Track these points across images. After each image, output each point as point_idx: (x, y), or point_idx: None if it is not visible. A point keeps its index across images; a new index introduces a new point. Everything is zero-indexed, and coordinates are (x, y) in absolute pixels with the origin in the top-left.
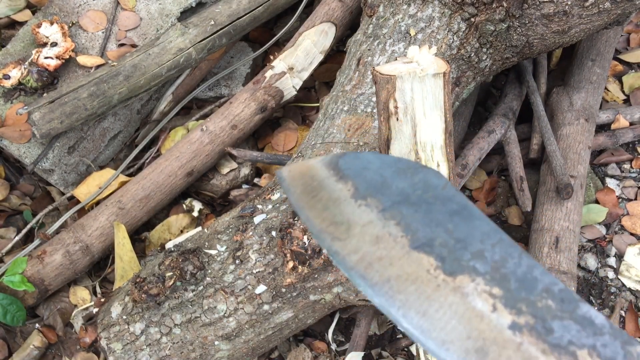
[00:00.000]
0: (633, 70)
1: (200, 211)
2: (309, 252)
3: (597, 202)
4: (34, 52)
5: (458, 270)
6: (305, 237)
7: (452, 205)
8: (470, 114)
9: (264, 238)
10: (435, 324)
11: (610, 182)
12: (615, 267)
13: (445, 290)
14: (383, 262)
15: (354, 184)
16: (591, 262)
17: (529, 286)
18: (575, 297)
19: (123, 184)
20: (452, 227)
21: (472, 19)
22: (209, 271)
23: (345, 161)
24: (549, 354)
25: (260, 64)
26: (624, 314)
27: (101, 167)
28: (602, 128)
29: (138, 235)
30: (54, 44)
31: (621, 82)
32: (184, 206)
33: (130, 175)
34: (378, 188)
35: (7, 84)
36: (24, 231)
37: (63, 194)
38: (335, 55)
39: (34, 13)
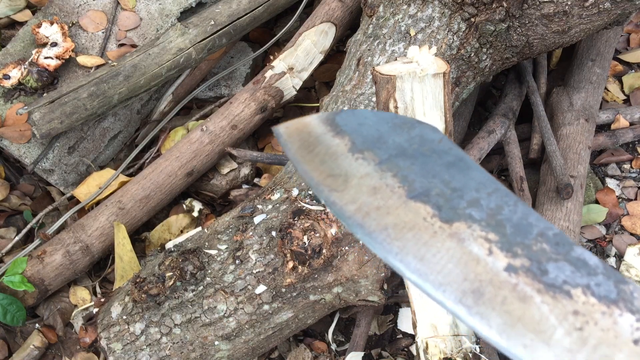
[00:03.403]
0: (633, 71)
1: (200, 211)
2: (309, 252)
3: (597, 202)
4: (34, 52)
5: (454, 218)
6: (305, 237)
7: (449, 157)
8: (470, 114)
9: (264, 238)
10: (432, 267)
11: (610, 182)
12: (615, 267)
13: (442, 236)
14: (380, 211)
15: (350, 138)
16: None
17: (524, 231)
18: (569, 241)
19: (123, 184)
20: (448, 177)
21: (472, 19)
22: (209, 271)
23: (342, 117)
24: (544, 293)
25: (260, 64)
26: None
27: (101, 167)
28: (602, 128)
29: (138, 235)
30: (54, 44)
31: (621, 82)
32: (184, 206)
33: (130, 175)
34: (375, 142)
35: (7, 84)
36: (24, 231)
37: (63, 194)
38: (335, 55)
39: (34, 13)
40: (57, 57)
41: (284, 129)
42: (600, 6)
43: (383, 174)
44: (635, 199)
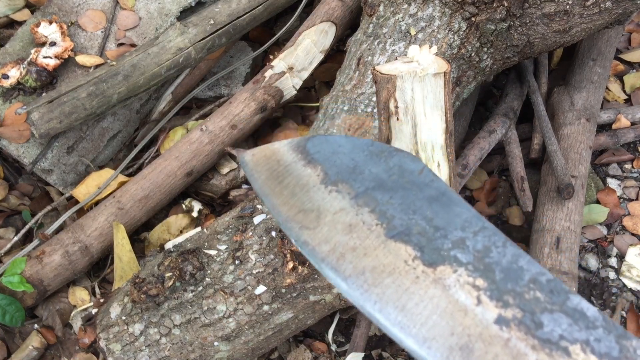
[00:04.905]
0: (634, 70)
1: (199, 211)
2: None
3: (598, 202)
4: (32, 51)
5: (438, 261)
6: None
7: (430, 191)
8: (470, 114)
9: (264, 238)
10: (415, 319)
11: (612, 182)
12: (616, 267)
13: (425, 282)
14: (357, 252)
15: (323, 168)
16: (592, 262)
17: (515, 277)
18: (564, 288)
19: (122, 184)
20: (430, 214)
21: (473, 19)
22: (209, 272)
23: (314, 144)
24: (539, 350)
25: (260, 64)
26: (625, 315)
27: (100, 167)
28: (603, 128)
29: (137, 235)
30: (53, 44)
31: (622, 82)
32: (184, 206)
33: (130, 175)
34: (350, 173)
35: (6, 83)
36: (22, 231)
37: (62, 194)
38: (335, 55)
39: (32, 12)
40: (56, 57)
41: (250, 157)
42: (602, 5)
43: (359, 209)
44: (637, 199)
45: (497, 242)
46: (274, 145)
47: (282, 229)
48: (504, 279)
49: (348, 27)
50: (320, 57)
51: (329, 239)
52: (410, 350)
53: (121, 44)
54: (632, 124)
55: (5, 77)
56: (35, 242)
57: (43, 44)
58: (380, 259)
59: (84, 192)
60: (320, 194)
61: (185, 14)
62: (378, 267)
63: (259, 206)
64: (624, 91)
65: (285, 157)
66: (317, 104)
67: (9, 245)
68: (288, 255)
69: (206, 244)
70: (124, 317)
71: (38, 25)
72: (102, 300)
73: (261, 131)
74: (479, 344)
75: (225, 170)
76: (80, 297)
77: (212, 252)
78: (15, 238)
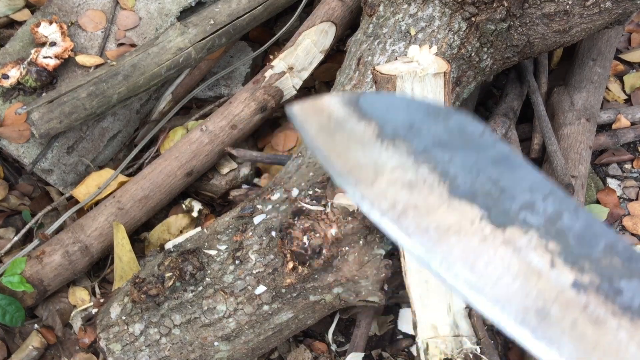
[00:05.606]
0: (634, 70)
1: (199, 211)
2: (309, 252)
3: (598, 202)
4: (32, 51)
5: (507, 222)
6: (305, 238)
7: (494, 152)
8: (470, 114)
9: (264, 238)
10: (485, 279)
11: (612, 182)
12: None
13: (495, 243)
14: (419, 210)
15: (378, 124)
16: None
17: (590, 242)
18: None
19: (122, 184)
20: (495, 175)
21: (473, 19)
22: (209, 272)
23: (367, 100)
24: (620, 316)
25: (260, 64)
26: None
27: (100, 167)
28: (603, 128)
29: (137, 235)
30: (53, 44)
31: (622, 82)
32: (184, 206)
33: (130, 175)
34: (406, 130)
35: (6, 83)
36: (22, 231)
37: (62, 194)
38: (335, 55)
39: (32, 12)
40: (56, 57)
41: (299, 109)
42: (601, 5)
43: (419, 166)
44: (637, 199)
45: (568, 207)
46: (323, 99)
47: (336, 183)
48: (578, 244)
49: (348, 27)
50: (320, 57)
51: (388, 195)
52: (483, 311)
53: (121, 44)
54: (632, 124)
55: (5, 77)
56: (35, 242)
57: (43, 44)
58: (444, 218)
59: (84, 192)
60: (376, 149)
61: (185, 14)
62: (442, 225)
63: (259, 206)
64: (624, 91)
65: (336, 112)
66: None
67: (9, 245)
68: (288, 255)
69: (206, 244)
70: (124, 317)
71: (38, 25)
72: (102, 300)
73: (261, 131)
74: (555, 307)
75: (225, 170)
76: (80, 297)
77: (212, 252)
78: (15, 238)
